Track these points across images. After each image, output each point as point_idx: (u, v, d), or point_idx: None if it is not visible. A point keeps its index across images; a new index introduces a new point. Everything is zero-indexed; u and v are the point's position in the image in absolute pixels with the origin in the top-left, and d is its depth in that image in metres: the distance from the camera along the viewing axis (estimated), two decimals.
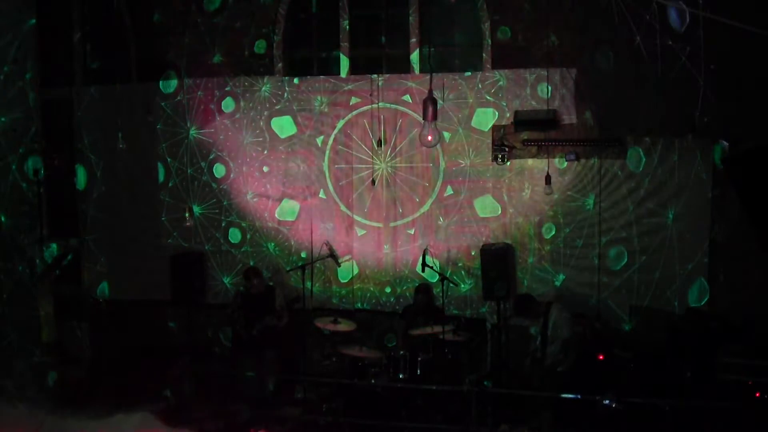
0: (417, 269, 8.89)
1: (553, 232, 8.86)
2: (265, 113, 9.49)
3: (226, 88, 9.55)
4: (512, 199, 8.96)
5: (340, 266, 9.28)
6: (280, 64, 9.56)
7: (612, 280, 8.60)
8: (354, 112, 9.27)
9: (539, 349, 7.97)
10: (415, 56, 9.29)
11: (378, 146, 9.07)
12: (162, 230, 9.79)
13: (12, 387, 7.17)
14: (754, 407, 6.26)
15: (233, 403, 8.16)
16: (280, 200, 9.45)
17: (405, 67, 9.32)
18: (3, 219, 7.46)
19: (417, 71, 9.23)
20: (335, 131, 9.34)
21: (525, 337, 8.78)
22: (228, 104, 9.58)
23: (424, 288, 8.78)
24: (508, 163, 8.92)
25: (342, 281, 9.43)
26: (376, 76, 9.14)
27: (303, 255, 9.41)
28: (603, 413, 6.56)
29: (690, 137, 7.58)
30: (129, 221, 9.85)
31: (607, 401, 6.46)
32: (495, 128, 8.94)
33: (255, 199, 9.52)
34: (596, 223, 8.62)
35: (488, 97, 8.95)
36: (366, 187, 9.24)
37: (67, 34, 9.83)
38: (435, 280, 8.71)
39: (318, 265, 9.26)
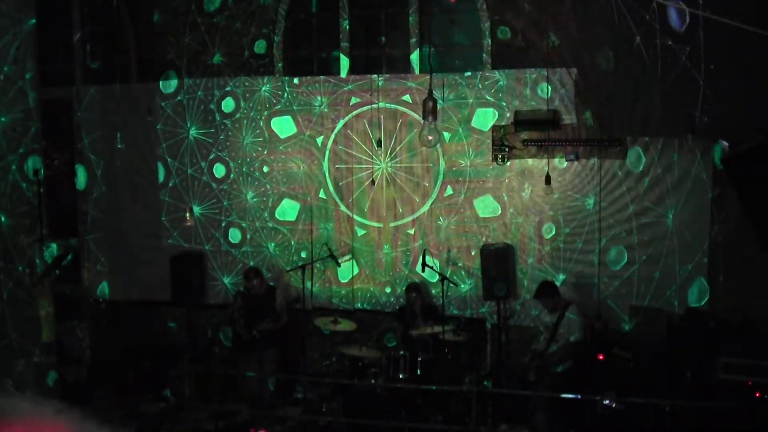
0: (417, 269, 8.91)
1: (553, 232, 8.86)
2: (265, 113, 9.49)
3: (226, 88, 9.56)
4: (512, 199, 8.97)
5: (340, 266, 9.28)
6: (280, 64, 9.56)
7: (612, 280, 8.60)
8: (354, 112, 9.27)
9: (543, 344, 7.91)
10: (415, 56, 9.29)
11: (378, 146, 9.06)
12: (162, 230, 9.80)
13: (12, 387, 7.17)
14: (754, 407, 6.26)
15: (233, 403, 8.17)
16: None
17: (405, 67, 9.33)
18: (3, 219, 7.45)
19: (417, 71, 9.23)
20: (335, 131, 9.34)
21: (525, 337, 8.78)
22: (228, 104, 9.59)
23: (414, 287, 8.75)
24: (508, 163, 8.93)
25: (342, 281, 9.43)
26: (376, 76, 9.14)
27: (303, 255, 9.42)
28: (603, 413, 6.55)
29: (690, 137, 7.56)
30: (129, 221, 9.86)
31: (607, 401, 6.45)
32: (495, 128, 8.94)
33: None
34: (596, 223, 8.62)
35: (488, 97, 8.94)
36: (366, 187, 9.25)
37: (67, 34, 9.83)
38: (435, 280, 8.72)
39: (318, 265, 9.27)
